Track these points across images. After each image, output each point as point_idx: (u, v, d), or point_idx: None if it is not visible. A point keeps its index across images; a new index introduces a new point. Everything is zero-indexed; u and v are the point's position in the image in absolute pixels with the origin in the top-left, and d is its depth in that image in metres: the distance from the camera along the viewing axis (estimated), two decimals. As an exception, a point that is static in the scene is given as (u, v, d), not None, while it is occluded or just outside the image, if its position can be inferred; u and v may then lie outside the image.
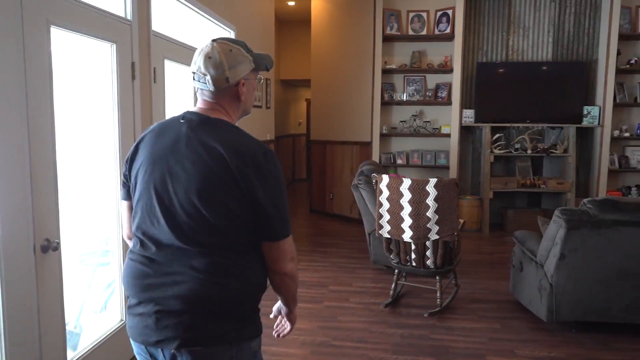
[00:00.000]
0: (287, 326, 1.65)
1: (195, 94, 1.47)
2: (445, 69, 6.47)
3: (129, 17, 2.82)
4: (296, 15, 9.28)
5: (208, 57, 1.37)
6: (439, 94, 6.64)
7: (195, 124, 1.37)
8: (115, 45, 2.67)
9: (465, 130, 6.65)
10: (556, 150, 6.26)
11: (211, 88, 1.39)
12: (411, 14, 6.54)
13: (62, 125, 2.29)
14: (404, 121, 6.70)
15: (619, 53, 6.15)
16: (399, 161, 6.72)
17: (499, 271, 4.77)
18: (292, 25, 9.90)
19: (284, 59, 9.57)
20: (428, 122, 6.69)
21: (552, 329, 3.45)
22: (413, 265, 3.76)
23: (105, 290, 3.02)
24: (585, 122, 6.27)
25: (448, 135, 6.52)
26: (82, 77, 2.75)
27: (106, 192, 2.84)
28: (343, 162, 7.13)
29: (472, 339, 3.32)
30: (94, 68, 2.70)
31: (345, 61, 7.00)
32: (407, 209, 3.55)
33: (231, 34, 4.65)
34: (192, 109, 1.44)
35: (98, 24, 2.51)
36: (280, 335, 1.67)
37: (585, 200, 3.25)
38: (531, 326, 3.51)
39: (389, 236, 3.76)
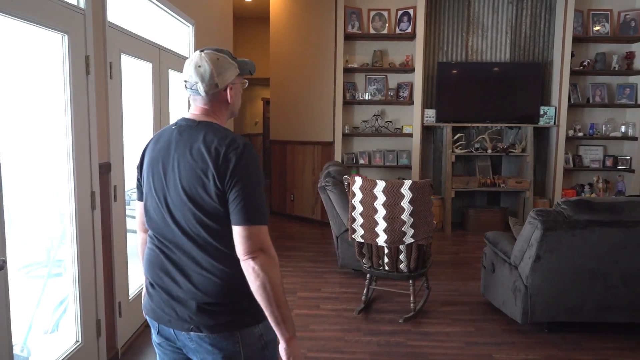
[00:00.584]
0: None
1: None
2: (407, 68, 6.44)
3: (82, 5, 2.55)
4: (254, 12, 9.02)
5: (198, 66, 1.46)
6: (401, 94, 6.60)
7: (183, 128, 1.49)
8: (67, 37, 2.40)
9: (426, 130, 6.64)
10: (515, 149, 6.36)
11: (202, 94, 1.48)
12: (372, 13, 6.46)
13: (5, 123, 2.02)
14: (366, 121, 6.63)
15: (572, 55, 6.32)
16: (361, 161, 6.64)
17: (466, 271, 4.76)
18: (249, 22, 9.62)
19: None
20: (390, 122, 6.64)
21: (525, 331, 3.43)
22: (386, 270, 3.65)
23: (57, 308, 2.72)
24: (542, 122, 6.40)
25: (410, 135, 6.50)
26: (31, 71, 2.47)
27: (58, 195, 2.56)
28: (304, 162, 6.97)
29: (448, 344, 3.25)
30: (44, 62, 2.42)
31: (306, 59, 6.84)
32: (381, 212, 3.44)
33: (190, 29, 4.40)
34: (185, 115, 1.54)
35: (47, 11, 2.23)
36: None
37: (559, 200, 3.24)
38: (505, 328, 3.48)
39: (362, 240, 3.63)
